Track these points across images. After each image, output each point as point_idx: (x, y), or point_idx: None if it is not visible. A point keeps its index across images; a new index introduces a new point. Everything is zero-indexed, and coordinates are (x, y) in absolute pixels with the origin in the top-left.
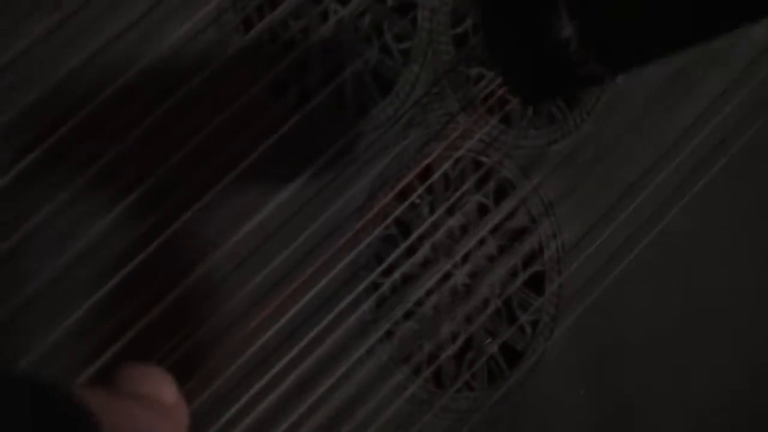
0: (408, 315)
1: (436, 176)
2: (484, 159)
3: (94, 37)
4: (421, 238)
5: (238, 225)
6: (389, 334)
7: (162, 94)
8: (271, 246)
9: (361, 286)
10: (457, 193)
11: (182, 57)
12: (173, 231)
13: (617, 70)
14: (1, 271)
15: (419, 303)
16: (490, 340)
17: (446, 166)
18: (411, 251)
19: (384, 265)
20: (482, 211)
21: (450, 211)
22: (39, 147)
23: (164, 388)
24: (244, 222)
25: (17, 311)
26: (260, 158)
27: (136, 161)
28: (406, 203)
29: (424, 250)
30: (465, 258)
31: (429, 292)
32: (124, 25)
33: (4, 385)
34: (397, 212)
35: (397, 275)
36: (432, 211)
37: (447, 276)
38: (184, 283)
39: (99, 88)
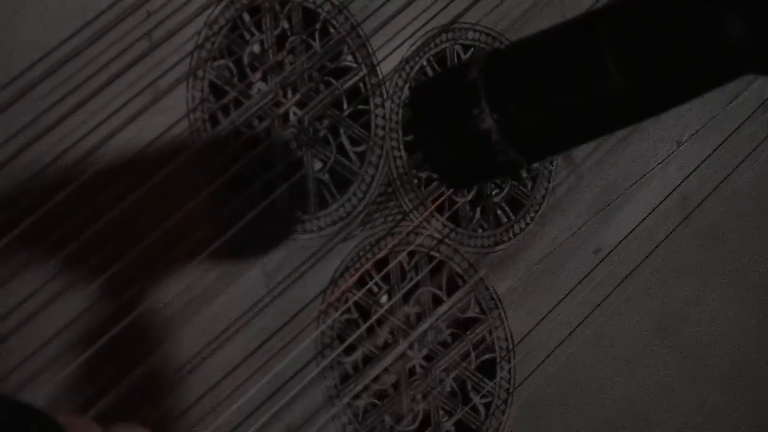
0: (369, 391)
1: (391, 266)
2: (435, 254)
3: (68, 133)
4: (381, 323)
5: (205, 307)
6: (352, 407)
7: (132, 185)
8: (238, 326)
9: (325, 362)
10: (411, 283)
11: (152, 150)
12: (141, 311)
13: (534, 159)
14: None
15: (379, 381)
16: (446, 418)
17: (400, 258)
18: (373, 335)
19: (345, 345)
20: (436, 301)
21: (406, 300)
22: (10, 233)
23: None
24: (210, 304)
25: None
26: (226, 245)
27: (105, 247)
28: (364, 290)
29: (383, 334)
30: (421, 343)
31: (388, 371)
32: (96, 121)
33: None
34: (356, 297)
35: (359, 355)
36: (389, 299)
37: (405, 358)
38: (152, 360)
39: (72, 179)
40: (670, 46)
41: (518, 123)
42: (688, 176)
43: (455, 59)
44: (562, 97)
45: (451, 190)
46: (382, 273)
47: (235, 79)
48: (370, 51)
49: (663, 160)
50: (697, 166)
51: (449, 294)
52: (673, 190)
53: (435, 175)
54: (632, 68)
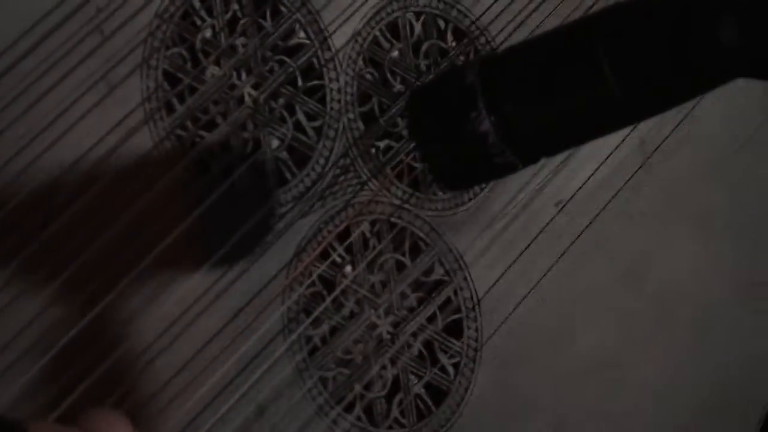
0: (339, 362)
1: (353, 237)
2: (396, 220)
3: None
4: (346, 294)
5: (171, 289)
6: (323, 379)
7: (89, 180)
8: (203, 307)
9: (293, 337)
10: (374, 252)
11: (108, 142)
12: (104, 303)
13: (530, 161)
14: None
15: (348, 351)
16: (416, 381)
17: (362, 228)
18: (339, 306)
19: (311, 318)
20: (400, 267)
21: (370, 269)
22: None
23: (120, 428)
24: (176, 285)
25: None
26: (190, 229)
27: (67, 243)
28: (328, 262)
29: (349, 304)
30: (387, 310)
31: (357, 342)
32: (51, 117)
33: None
34: (320, 270)
35: (326, 327)
36: (353, 270)
37: (373, 327)
38: (117, 352)
39: (29, 179)
40: (664, 50)
41: (515, 125)
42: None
43: (408, 28)
44: (558, 100)
45: (409, 156)
46: (345, 244)
47: (189, 66)
48: (322, 26)
49: None
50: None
51: (413, 259)
52: (629, 133)
53: (432, 177)
54: (627, 72)
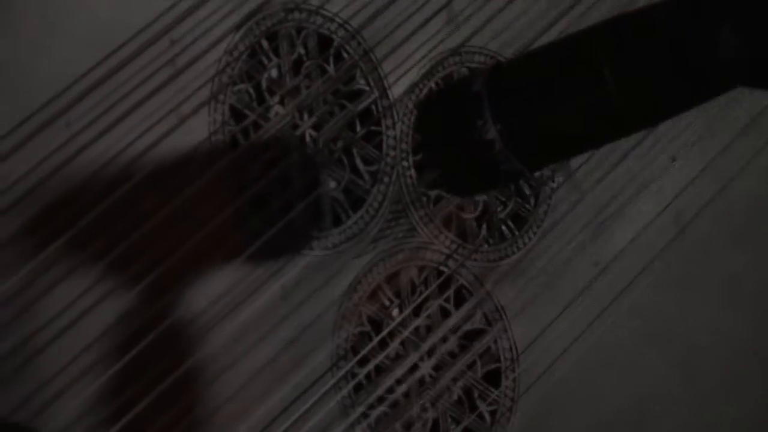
0: (382, 400)
1: (402, 281)
2: (444, 268)
3: (97, 156)
4: (392, 336)
5: (226, 322)
6: (365, 416)
7: (157, 206)
8: (257, 340)
9: (340, 374)
10: (421, 297)
11: (176, 171)
12: (166, 326)
13: (535, 168)
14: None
15: (391, 390)
16: (454, 425)
17: (411, 273)
18: (384, 346)
19: (359, 356)
20: (444, 313)
21: (416, 313)
22: (58, 239)
23: None
24: (231, 318)
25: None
26: (247, 261)
27: (135, 262)
28: (376, 303)
29: (394, 346)
30: (430, 353)
31: (399, 382)
32: (123, 144)
33: None
34: (368, 311)
35: (371, 366)
36: (400, 313)
37: (415, 368)
38: (182, 369)
39: (102, 199)
40: (664, 59)
41: (520, 133)
42: (681, 192)
43: None
44: (561, 108)
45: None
46: (394, 287)
47: (254, 103)
48: (382, 75)
49: (658, 176)
50: (690, 182)
51: (457, 306)
52: (668, 205)
53: (441, 184)
54: (628, 80)
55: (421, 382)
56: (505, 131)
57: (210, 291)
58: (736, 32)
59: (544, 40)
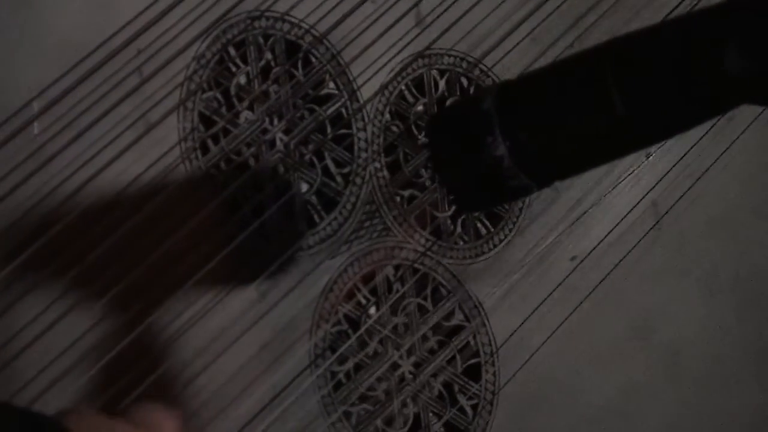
0: (362, 398)
1: (378, 280)
2: (419, 266)
3: (66, 165)
4: (370, 334)
5: (202, 323)
6: (347, 414)
7: (129, 212)
8: (234, 340)
9: (318, 372)
10: (397, 295)
11: (147, 178)
12: (143, 328)
13: (543, 184)
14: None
15: (371, 388)
16: (435, 420)
17: (386, 271)
18: (363, 345)
19: (336, 355)
20: (422, 311)
21: (394, 311)
22: (14, 260)
23: (168, 422)
24: (207, 320)
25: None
26: (220, 265)
27: (106, 271)
28: (353, 302)
29: (373, 344)
30: (409, 351)
31: (379, 379)
32: (91, 152)
33: None
34: (345, 310)
35: (350, 364)
36: (377, 311)
37: (394, 366)
38: (154, 374)
39: (73, 207)
40: (670, 77)
41: (529, 150)
42: (656, 184)
43: (432, 84)
44: (569, 127)
45: (432, 206)
46: (370, 286)
47: (223, 109)
48: (351, 78)
49: (633, 170)
50: (665, 174)
51: (434, 304)
52: (643, 197)
53: (450, 198)
54: (635, 98)
55: (402, 378)
56: (514, 148)
57: (184, 296)
58: (741, 50)
59: (512, 40)
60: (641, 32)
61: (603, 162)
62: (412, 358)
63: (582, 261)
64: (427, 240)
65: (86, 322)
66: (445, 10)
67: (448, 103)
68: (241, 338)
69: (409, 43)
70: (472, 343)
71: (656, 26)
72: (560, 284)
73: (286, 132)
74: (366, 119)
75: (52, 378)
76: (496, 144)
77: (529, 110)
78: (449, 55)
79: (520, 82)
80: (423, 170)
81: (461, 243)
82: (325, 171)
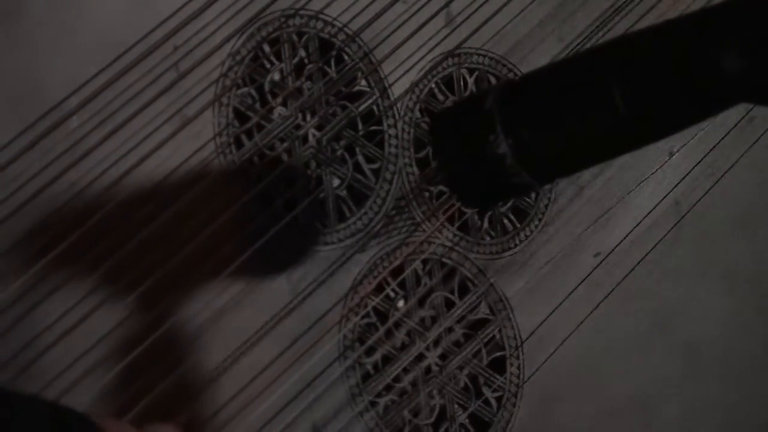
0: (389, 389)
1: (406, 273)
2: (447, 261)
3: (103, 158)
4: (398, 326)
5: (235, 315)
6: (373, 404)
7: (164, 205)
8: (266, 331)
9: (347, 363)
10: (425, 288)
11: (182, 171)
12: (174, 321)
13: (545, 182)
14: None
15: (398, 379)
16: (461, 412)
17: (415, 265)
18: (390, 336)
19: (365, 346)
20: (449, 304)
21: (421, 304)
22: (52, 252)
23: None
24: (240, 312)
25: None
26: (254, 257)
27: (140, 263)
28: (382, 295)
29: (400, 336)
30: (436, 343)
31: (406, 370)
32: (128, 147)
33: (30, 406)
34: (375, 303)
35: (378, 356)
36: (405, 304)
37: (421, 357)
38: (186, 365)
39: (108, 201)
40: (670, 78)
41: (531, 148)
42: (679, 183)
43: (461, 82)
44: (571, 125)
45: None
46: (398, 280)
47: (258, 105)
48: (382, 75)
49: (656, 169)
50: (688, 173)
51: (461, 297)
52: (666, 195)
53: (454, 196)
54: (635, 97)
55: (428, 370)
56: (516, 146)
57: (217, 287)
58: (739, 50)
59: (539, 38)
60: (642, 32)
61: (604, 160)
62: (439, 350)
63: (606, 257)
64: (455, 235)
65: (115, 317)
66: (475, 11)
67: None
68: (272, 330)
69: (439, 43)
70: (497, 336)
71: (657, 26)
72: (584, 280)
73: (319, 128)
74: (397, 116)
75: (79, 375)
76: (499, 142)
77: (530, 109)
78: (478, 54)
79: (521, 82)
80: None
81: (488, 238)
82: (356, 166)
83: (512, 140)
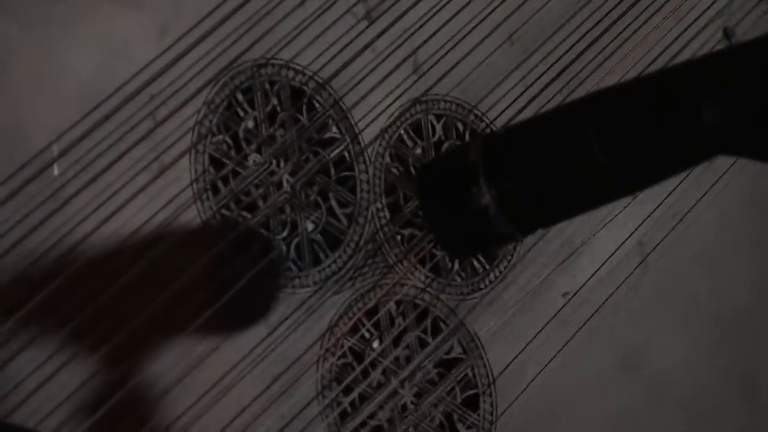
0: (365, 426)
1: (381, 314)
2: (419, 302)
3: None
4: (374, 366)
5: (214, 358)
6: None
7: (139, 252)
8: (244, 374)
9: (325, 402)
10: (399, 329)
11: (159, 218)
12: (150, 370)
13: (527, 232)
14: None
15: (375, 417)
16: None
17: (389, 306)
18: (366, 376)
19: (343, 385)
20: (422, 344)
21: (396, 344)
22: (20, 310)
23: None
24: (219, 354)
25: None
26: (231, 301)
27: (111, 317)
28: (357, 336)
29: (376, 375)
30: (411, 382)
31: (382, 408)
32: (107, 194)
33: None
34: (351, 343)
35: (355, 395)
36: (381, 344)
37: (397, 396)
38: (155, 419)
39: (77, 257)
40: (650, 132)
41: (513, 200)
42: (642, 223)
43: (429, 128)
44: (552, 178)
45: (431, 244)
46: (373, 320)
47: (232, 152)
48: (353, 122)
49: (620, 211)
50: (650, 214)
51: (434, 337)
52: (630, 236)
53: (438, 245)
54: (615, 150)
55: (404, 408)
56: (499, 197)
57: (197, 331)
58: (718, 104)
59: (505, 87)
60: (621, 86)
61: (586, 210)
62: (414, 389)
63: (573, 297)
64: (427, 277)
65: (86, 370)
66: (441, 58)
67: (443, 147)
68: (249, 372)
69: (407, 90)
70: (470, 374)
71: (636, 80)
72: (552, 318)
73: (293, 173)
74: (367, 162)
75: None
76: (482, 193)
77: (512, 162)
78: (445, 101)
79: (504, 135)
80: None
81: (459, 279)
82: (330, 211)
83: (495, 191)
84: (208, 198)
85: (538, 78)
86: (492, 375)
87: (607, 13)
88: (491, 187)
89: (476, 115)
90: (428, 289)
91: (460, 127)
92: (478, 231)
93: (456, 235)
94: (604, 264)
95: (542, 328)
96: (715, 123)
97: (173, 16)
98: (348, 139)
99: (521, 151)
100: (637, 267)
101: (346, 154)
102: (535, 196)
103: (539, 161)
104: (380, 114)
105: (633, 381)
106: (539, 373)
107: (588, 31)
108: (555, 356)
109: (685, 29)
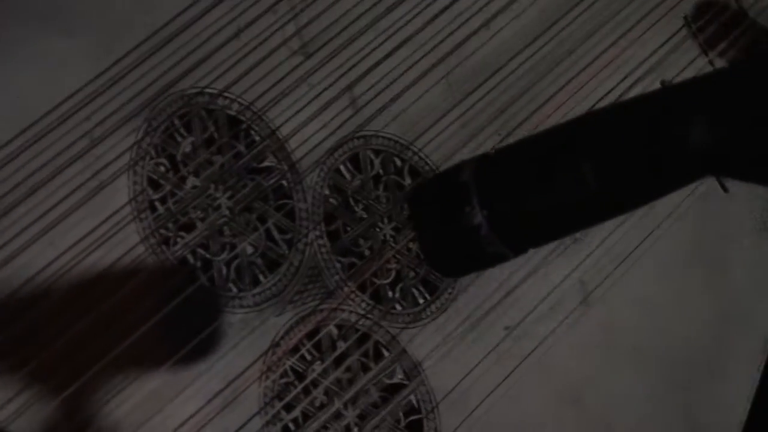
0: None
1: (320, 336)
2: (360, 327)
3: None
4: (316, 385)
5: (152, 378)
6: None
7: (74, 273)
8: (186, 395)
9: (267, 418)
10: (340, 351)
11: (94, 235)
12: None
13: (519, 251)
14: None
15: None
16: None
17: (329, 330)
18: (309, 395)
19: (283, 402)
20: (364, 368)
21: (337, 365)
22: None
23: None
24: (156, 377)
25: None
26: (167, 322)
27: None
28: (297, 356)
29: (317, 393)
30: (354, 404)
31: (326, 428)
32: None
33: None
34: (291, 363)
35: (297, 413)
36: (322, 366)
37: (340, 417)
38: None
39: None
40: (639, 154)
41: (505, 220)
42: (582, 262)
43: (368, 162)
44: (543, 198)
45: (372, 271)
46: (313, 342)
47: (170, 173)
48: (289, 152)
49: (564, 248)
50: (592, 252)
51: (376, 361)
52: (570, 273)
53: (427, 264)
54: (604, 172)
55: (348, 429)
56: (491, 217)
57: (132, 352)
58: (707, 126)
59: (443, 124)
60: (611, 108)
61: (577, 230)
62: (357, 411)
63: (514, 330)
64: (368, 304)
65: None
66: (378, 95)
67: (381, 181)
68: (190, 390)
69: (343, 123)
70: (413, 400)
71: (626, 102)
72: (492, 351)
73: (231, 197)
74: (305, 191)
75: None
76: (474, 213)
77: (505, 182)
78: (382, 137)
79: (497, 155)
80: (361, 240)
81: (399, 308)
82: (269, 235)
83: (487, 211)
84: (146, 218)
85: (474, 117)
86: (435, 400)
87: (544, 58)
88: (484, 206)
89: (413, 152)
90: (368, 315)
91: (398, 162)
92: (470, 250)
93: (447, 254)
94: (543, 300)
95: (480, 360)
96: (703, 145)
97: (110, 40)
98: (285, 167)
99: (513, 172)
100: (578, 306)
101: (284, 183)
102: (526, 216)
103: (530, 182)
104: (317, 146)
105: (576, 418)
106: (480, 403)
107: (525, 73)
108: (497, 387)
109: (624, 77)
